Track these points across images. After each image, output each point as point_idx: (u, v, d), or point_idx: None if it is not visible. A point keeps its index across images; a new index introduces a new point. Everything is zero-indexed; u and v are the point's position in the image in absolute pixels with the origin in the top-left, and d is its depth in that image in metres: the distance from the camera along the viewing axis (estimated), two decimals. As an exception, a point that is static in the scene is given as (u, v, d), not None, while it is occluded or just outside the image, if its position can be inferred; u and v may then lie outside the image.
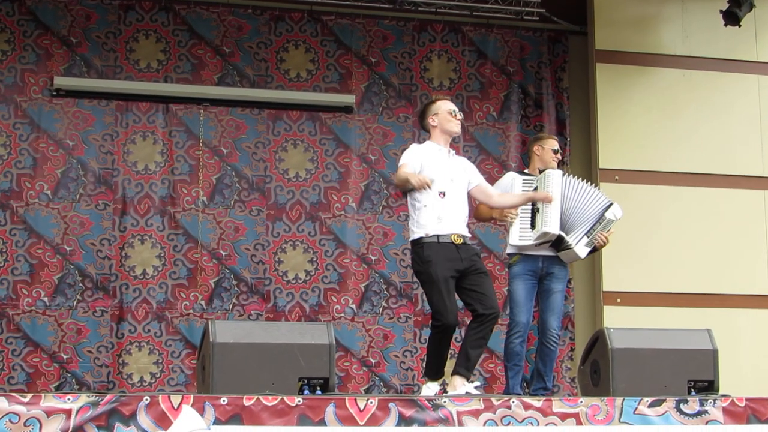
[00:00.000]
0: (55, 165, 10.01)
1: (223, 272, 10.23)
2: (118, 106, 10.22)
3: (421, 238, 7.49)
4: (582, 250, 8.29)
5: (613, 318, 10.24)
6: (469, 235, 7.72)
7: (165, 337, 10.05)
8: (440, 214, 7.49)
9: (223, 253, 10.24)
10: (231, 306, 10.19)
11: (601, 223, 8.29)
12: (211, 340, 6.49)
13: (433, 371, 7.60)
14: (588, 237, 8.27)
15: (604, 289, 10.56)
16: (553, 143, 8.56)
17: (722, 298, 10.74)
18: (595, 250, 8.51)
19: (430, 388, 7.51)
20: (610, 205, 8.35)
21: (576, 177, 8.44)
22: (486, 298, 7.52)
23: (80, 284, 9.90)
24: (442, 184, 7.55)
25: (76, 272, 9.90)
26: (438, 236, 7.45)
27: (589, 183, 8.42)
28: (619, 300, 10.53)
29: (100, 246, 10.01)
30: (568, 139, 11.07)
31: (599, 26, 10.96)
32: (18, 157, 9.95)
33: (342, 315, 10.38)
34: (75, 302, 9.89)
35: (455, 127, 7.77)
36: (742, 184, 11.00)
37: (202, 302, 10.13)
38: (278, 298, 10.30)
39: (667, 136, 10.93)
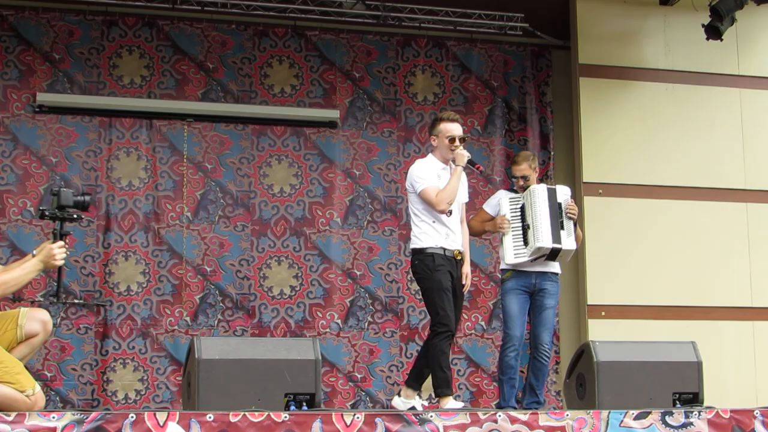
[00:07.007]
0: (38, 181, 9.98)
1: (207, 288, 10.21)
2: (102, 122, 10.20)
3: (430, 247, 7.66)
4: (571, 243, 8.32)
5: (598, 331, 10.24)
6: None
7: (150, 353, 10.02)
8: (448, 231, 7.70)
9: (208, 269, 10.22)
10: (216, 322, 10.17)
11: (561, 211, 8.32)
12: (196, 356, 6.48)
13: (445, 383, 7.54)
14: (564, 229, 8.28)
15: (588, 303, 10.57)
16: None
17: (706, 310, 10.76)
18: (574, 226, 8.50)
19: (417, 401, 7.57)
20: (554, 191, 8.41)
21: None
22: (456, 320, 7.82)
23: (64, 301, 9.85)
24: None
25: (60, 289, 9.83)
26: (444, 249, 7.66)
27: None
28: (603, 313, 10.54)
29: (84, 263, 9.98)
30: (552, 153, 11.10)
31: (582, 41, 11.00)
32: (0, 173, 9.91)
33: (327, 330, 10.36)
34: (59, 320, 9.83)
35: (450, 155, 7.75)
36: (724, 197, 11.03)
37: (187, 318, 10.11)
38: (263, 313, 10.28)
39: (650, 149, 10.95)
